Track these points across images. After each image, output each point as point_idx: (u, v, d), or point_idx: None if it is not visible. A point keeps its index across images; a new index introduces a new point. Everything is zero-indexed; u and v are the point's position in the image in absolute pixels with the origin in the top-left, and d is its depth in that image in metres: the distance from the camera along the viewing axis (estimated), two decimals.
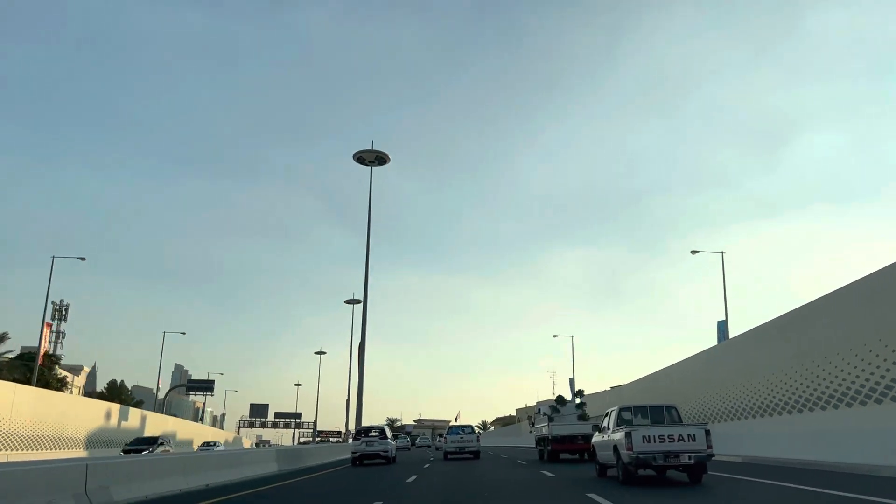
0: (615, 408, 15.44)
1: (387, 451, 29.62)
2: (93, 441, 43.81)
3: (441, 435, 48.32)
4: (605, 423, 15.93)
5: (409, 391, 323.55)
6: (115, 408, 51.41)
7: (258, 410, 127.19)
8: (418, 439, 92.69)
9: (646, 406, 15.43)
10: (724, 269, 42.87)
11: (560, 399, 29.89)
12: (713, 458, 13.61)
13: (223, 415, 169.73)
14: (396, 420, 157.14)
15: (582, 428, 26.13)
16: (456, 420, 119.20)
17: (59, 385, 67.62)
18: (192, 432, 69.51)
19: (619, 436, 14.04)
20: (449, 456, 32.88)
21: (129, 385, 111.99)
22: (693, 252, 45.12)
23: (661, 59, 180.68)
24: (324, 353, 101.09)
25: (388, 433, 31.81)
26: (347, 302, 66.10)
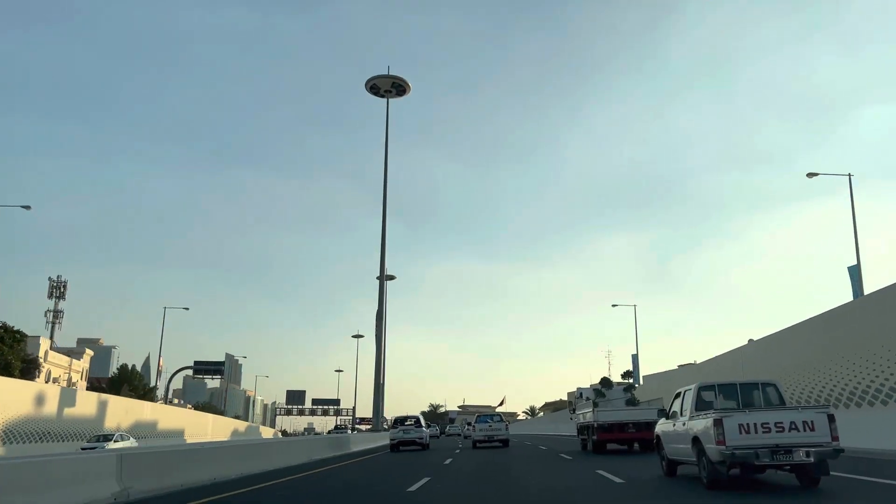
0: (691, 387, 11.72)
1: (422, 438, 32.47)
2: (14, 433, 34.81)
3: (469, 423, 48.98)
4: (676, 408, 12.24)
5: (454, 377, 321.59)
6: (51, 390, 41.52)
7: (295, 397, 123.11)
8: (448, 428, 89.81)
9: (734, 383, 11.66)
10: (853, 196, 33.95)
11: (605, 381, 26.17)
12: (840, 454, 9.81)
13: (273, 403, 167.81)
14: (440, 406, 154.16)
15: (634, 414, 22.39)
16: (501, 405, 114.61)
17: (29, 368, 56.43)
18: (189, 422, 58.94)
19: (702, 424, 10.37)
20: (477, 444, 32.22)
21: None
22: (810, 175, 35.50)
23: (709, 36, 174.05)
24: (361, 336, 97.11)
25: (423, 422, 34.61)
26: (378, 279, 63.60)
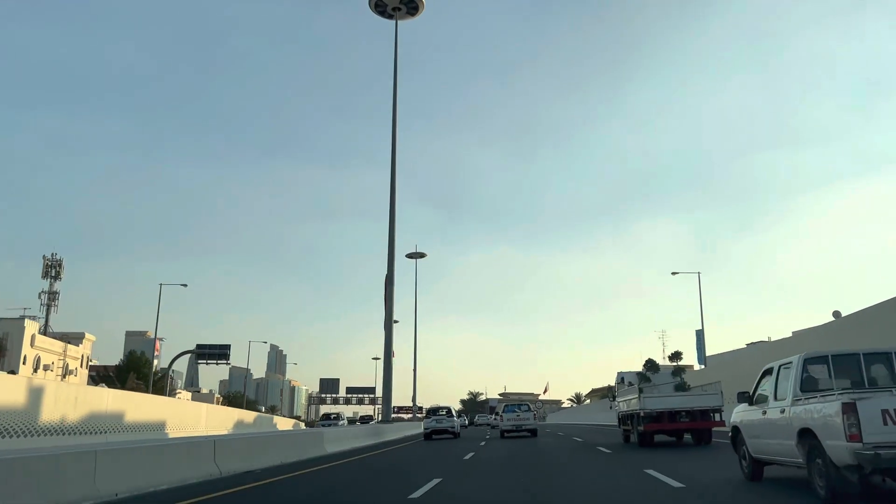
0: (792, 359, 8.37)
1: (453, 428, 34.83)
2: None
3: (497, 413, 48.29)
4: (766, 389, 8.92)
5: (494, 365, 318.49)
6: None
7: (328, 386, 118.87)
8: (476, 417, 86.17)
9: (856, 354, 8.24)
10: None
11: (651, 364, 22.73)
12: None
13: (307, 391, 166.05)
14: (479, 394, 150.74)
15: (689, 400, 19.03)
16: (545, 392, 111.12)
17: None
18: (173, 413, 41.48)
19: (819, 411, 7.07)
20: (505, 434, 31.75)
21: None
22: None
23: (753, 9, 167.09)
24: (396, 321, 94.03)
25: (454, 413, 37.40)
26: (409, 256, 61.81)
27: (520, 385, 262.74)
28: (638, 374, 23.06)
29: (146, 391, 54.05)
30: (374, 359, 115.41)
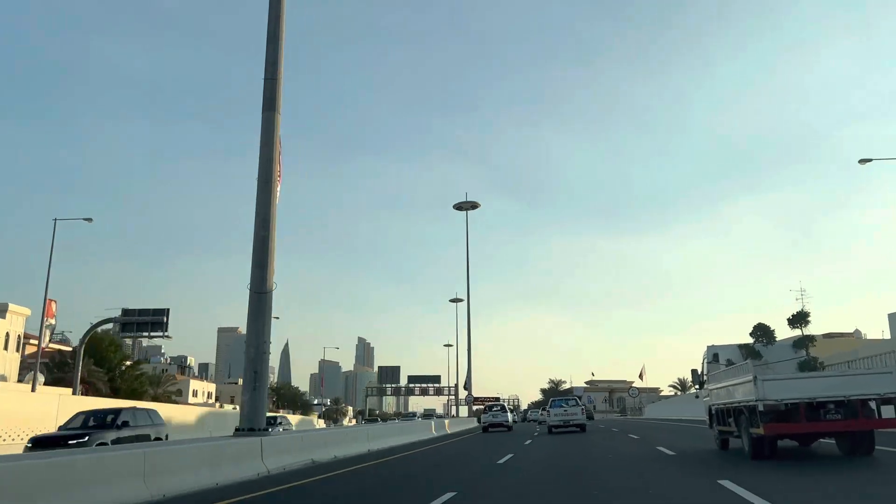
0: None
1: (507, 422, 39.52)
2: None
3: (544, 408, 48.76)
4: None
5: (578, 353, 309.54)
6: None
7: (388, 375, 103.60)
8: (529, 413, 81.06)
9: None
10: None
11: (762, 330, 15.22)
12: None
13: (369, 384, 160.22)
14: (561, 382, 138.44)
15: (844, 384, 11.47)
16: (641, 378, 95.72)
17: None
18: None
19: None
20: (553, 430, 30.92)
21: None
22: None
23: None
24: (460, 300, 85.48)
25: (507, 408, 44.39)
26: (458, 207, 56.26)
27: (610, 372, 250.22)
28: (742, 347, 15.63)
29: (108, 384, 46.13)
30: (445, 345, 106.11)
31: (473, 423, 49.62)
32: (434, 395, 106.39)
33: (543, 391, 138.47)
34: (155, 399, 52.23)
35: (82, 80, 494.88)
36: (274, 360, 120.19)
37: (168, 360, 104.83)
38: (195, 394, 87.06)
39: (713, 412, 16.12)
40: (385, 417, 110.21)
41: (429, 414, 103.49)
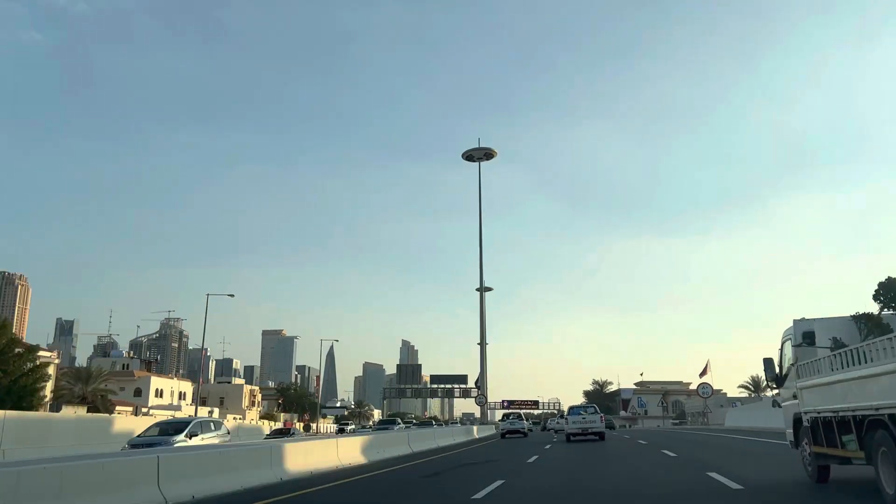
0: None
1: (523, 429, 44.68)
2: None
3: (562, 415, 48.08)
4: None
5: (625, 355, 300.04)
6: None
7: (407, 374, 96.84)
8: (548, 422, 74.40)
9: None
10: None
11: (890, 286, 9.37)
12: None
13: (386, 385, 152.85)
14: (607, 384, 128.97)
15: None
16: (703, 374, 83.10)
17: None
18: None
19: None
20: (571, 437, 30.39)
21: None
22: None
23: None
24: (490, 289, 78.87)
25: (523, 417, 49.01)
26: (467, 156, 55.49)
27: (663, 373, 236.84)
28: (859, 318, 9.60)
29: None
30: (479, 343, 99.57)
31: (491, 430, 49.99)
32: (460, 396, 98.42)
33: (587, 393, 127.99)
34: (60, 399, 46.57)
35: (139, 88, 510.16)
36: (318, 362, 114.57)
37: (131, 354, 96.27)
38: (159, 393, 74.22)
39: (805, 422, 10.06)
40: (421, 422, 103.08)
41: (465, 420, 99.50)
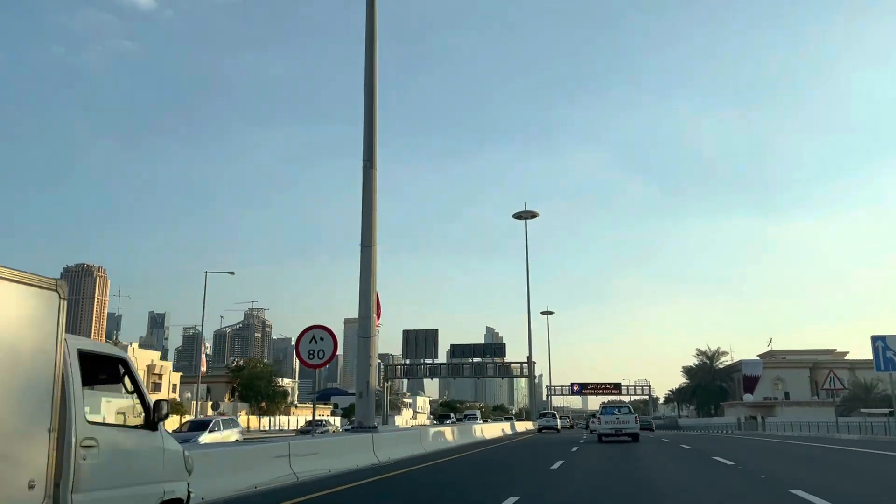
0: None
1: (555, 425, 55.13)
2: None
3: (594, 415, 45.77)
4: None
5: (728, 337, 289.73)
6: None
7: (416, 345, 68.16)
8: (590, 422, 71.74)
9: None
10: None
11: None
12: None
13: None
14: (720, 353, 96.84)
15: None
16: None
17: None
18: None
19: None
20: (603, 438, 29.82)
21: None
22: None
23: None
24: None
25: (557, 415, 62.20)
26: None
27: (797, 341, 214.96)
28: None
29: None
30: (542, 312, 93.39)
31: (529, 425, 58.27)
32: (495, 375, 74.67)
33: (688, 370, 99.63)
34: None
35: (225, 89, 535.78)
36: (400, 350, 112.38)
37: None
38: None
39: None
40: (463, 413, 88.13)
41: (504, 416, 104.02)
